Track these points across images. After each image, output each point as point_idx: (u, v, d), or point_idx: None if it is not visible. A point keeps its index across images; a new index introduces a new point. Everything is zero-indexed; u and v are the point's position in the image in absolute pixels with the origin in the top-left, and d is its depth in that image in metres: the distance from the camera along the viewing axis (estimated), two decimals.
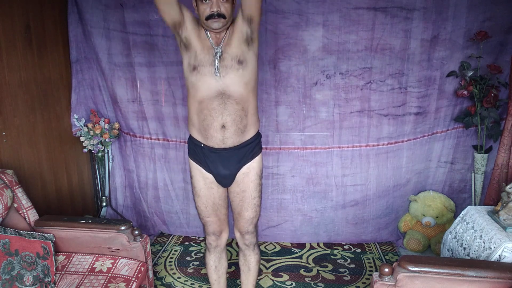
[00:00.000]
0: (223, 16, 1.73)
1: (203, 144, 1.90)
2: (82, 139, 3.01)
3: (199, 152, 1.93)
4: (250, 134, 1.91)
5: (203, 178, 1.97)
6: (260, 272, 2.20)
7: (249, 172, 1.94)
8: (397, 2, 2.62)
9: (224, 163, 1.90)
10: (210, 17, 1.73)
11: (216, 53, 1.77)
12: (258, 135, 1.97)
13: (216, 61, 1.77)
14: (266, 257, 2.91)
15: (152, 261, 2.73)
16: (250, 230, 2.05)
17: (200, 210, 2.03)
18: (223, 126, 1.82)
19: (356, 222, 3.07)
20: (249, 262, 2.13)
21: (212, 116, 1.81)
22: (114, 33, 2.88)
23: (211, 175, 1.95)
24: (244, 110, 1.84)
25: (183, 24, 1.78)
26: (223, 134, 1.83)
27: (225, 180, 1.96)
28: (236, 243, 2.17)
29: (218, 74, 1.77)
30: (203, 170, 1.95)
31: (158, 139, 3.08)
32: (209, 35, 1.81)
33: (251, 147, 1.92)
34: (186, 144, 3.01)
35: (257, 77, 1.90)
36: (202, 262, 2.85)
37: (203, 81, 1.79)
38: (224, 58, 1.78)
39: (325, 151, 2.93)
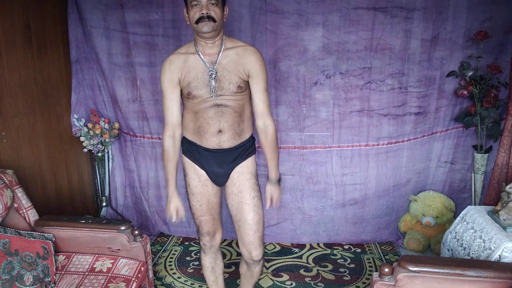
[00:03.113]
0: (213, 19, 1.72)
1: (198, 143, 1.92)
2: (82, 139, 3.01)
3: (193, 150, 1.94)
4: (245, 137, 1.94)
5: (197, 176, 1.98)
6: None
7: (243, 171, 1.95)
8: (397, 2, 2.62)
9: (218, 162, 1.92)
10: (200, 20, 1.71)
11: (211, 74, 1.79)
12: (252, 138, 1.99)
13: (212, 82, 1.79)
14: (266, 257, 2.90)
15: (152, 261, 2.73)
16: (256, 244, 1.92)
17: (194, 209, 2.03)
18: (220, 131, 1.85)
19: (356, 221, 3.07)
20: (253, 272, 2.06)
21: (209, 123, 1.84)
22: (114, 33, 2.88)
23: (205, 173, 1.97)
24: (240, 117, 1.87)
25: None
26: (219, 138, 1.87)
27: (219, 178, 1.97)
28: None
29: (213, 95, 1.80)
30: (197, 166, 1.96)
31: (159, 138, 3.08)
32: (201, 54, 1.81)
33: (245, 148, 1.95)
34: None
35: None
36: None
37: (200, 99, 1.82)
38: (220, 79, 1.79)
39: (324, 150, 2.93)
